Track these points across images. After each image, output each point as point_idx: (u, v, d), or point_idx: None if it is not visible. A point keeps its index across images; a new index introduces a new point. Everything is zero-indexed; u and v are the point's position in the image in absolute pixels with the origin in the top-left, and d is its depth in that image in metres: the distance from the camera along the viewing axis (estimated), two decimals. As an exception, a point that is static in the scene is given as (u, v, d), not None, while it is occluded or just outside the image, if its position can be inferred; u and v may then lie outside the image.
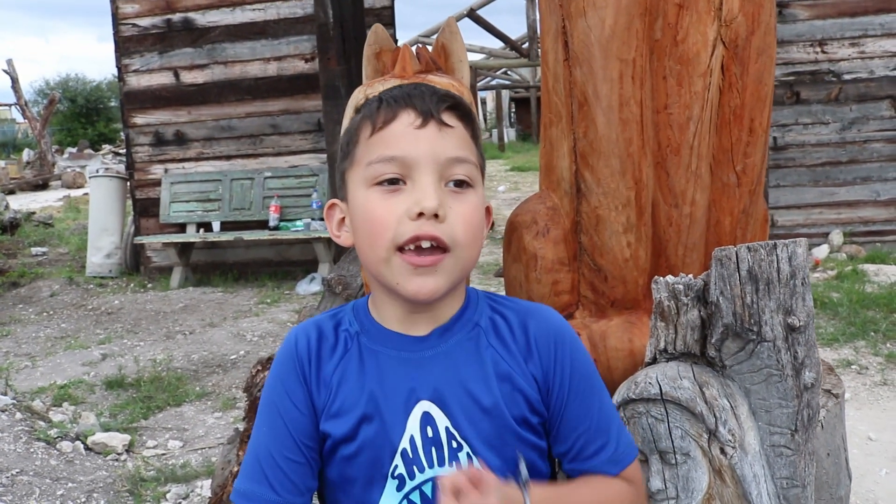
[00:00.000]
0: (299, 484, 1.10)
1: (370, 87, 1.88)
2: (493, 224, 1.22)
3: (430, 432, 1.09)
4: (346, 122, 1.91)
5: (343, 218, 1.16)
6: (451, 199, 1.07)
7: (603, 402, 1.20)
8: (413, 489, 1.09)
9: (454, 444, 1.10)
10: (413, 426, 1.09)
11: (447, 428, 1.10)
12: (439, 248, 1.05)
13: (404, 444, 1.09)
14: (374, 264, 1.09)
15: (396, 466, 1.09)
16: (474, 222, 1.09)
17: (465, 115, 1.12)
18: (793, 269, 1.29)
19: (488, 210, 1.19)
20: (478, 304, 1.20)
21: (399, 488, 1.09)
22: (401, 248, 1.05)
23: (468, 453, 1.10)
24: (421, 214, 1.03)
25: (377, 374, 1.11)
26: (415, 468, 1.09)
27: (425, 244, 1.04)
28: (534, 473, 1.13)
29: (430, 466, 1.09)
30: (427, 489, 1.09)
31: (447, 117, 1.08)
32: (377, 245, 1.07)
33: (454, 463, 1.09)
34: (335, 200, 1.18)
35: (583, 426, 1.16)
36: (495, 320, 1.18)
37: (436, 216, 1.04)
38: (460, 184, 1.08)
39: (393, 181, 1.06)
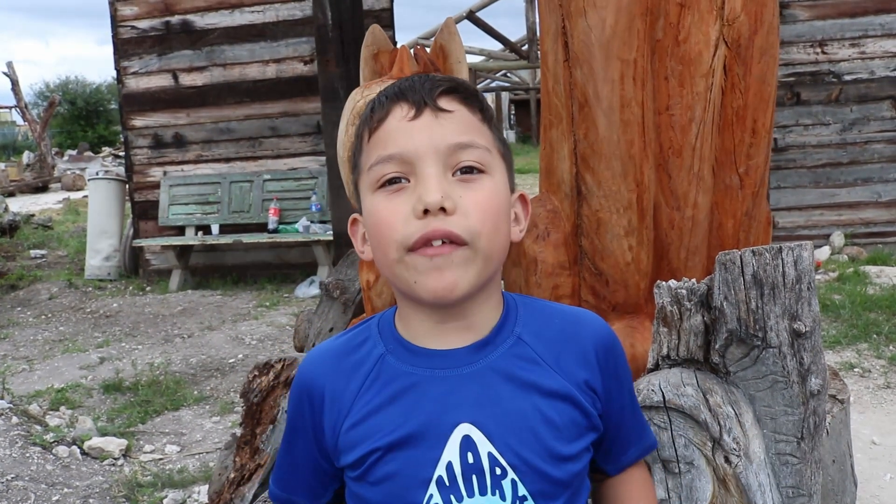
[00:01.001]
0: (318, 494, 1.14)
1: (368, 89, 1.86)
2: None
3: (470, 458, 1.00)
4: (342, 125, 1.89)
5: (364, 233, 1.08)
6: (461, 189, 0.98)
7: (635, 402, 1.20)
8: None
9: (497, 472, 1.00)
10: (452, 452, 1.00)
11: (490, 453, 1.00)
12: (453, 243, 0.96)
13: (440, 471, 0.99)
14: (389, 268, 1.01)
15: (431, 496, 0.99)
16: (492, 209, 0.99)
17: (467, 97, 1.03)
18: (798, 274, 1.26)
19: (523, 198, 1.11)
20: (518, 312, 1.09)
21: None
22: (412, 250, 0.97)
23: (513, 480, 1.00)
24: (426, 211, 0.95)
25: (409, 398, 1.02)
26: (452, 497, 0.99)
27: (436, 242, 0.96)
28: (579, 496, 1.08)
29: (471, 496, 0.99)
30: None
31: (444, 102, 1.00)
32: (388, 249, 0.99)
33: (496, 491, 1.00)
34: (356, 216, 1.10)
35: (626, 428, 1.15)
36: (541, 330, 1.08)
37: (443, 210, 0.95)
38: (469, 170, 0.99)
39: (394, 180, 0.99)
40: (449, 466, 0.99)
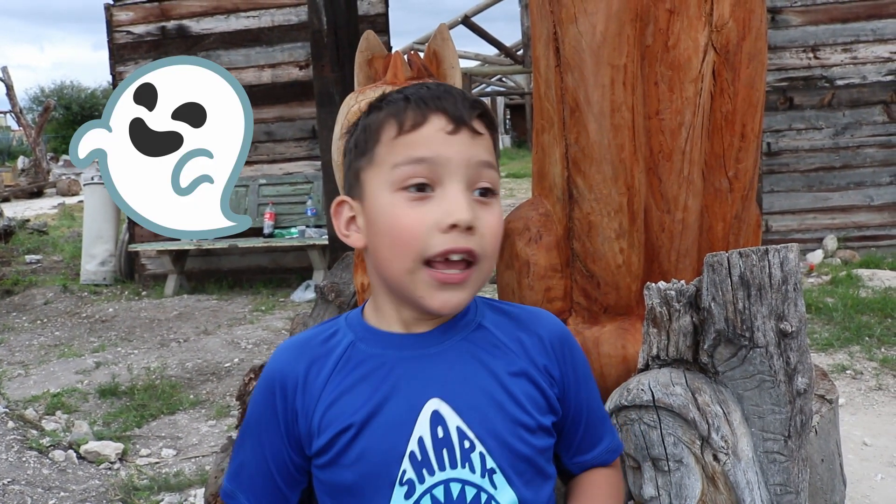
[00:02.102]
0: (286, 497, 1.12)
1: (362, 94, 1.88)
2: None
3: (440, 432, 1.04)
4: (337, 130, 1.91)
5: (353, 217, 1.10)
6: (480, 210, 1.03)
7: (597, 398, 1.23)
8: (423, 493, 1.03)
9: (466, 445, 1.04)
10: (422, 427, 1.03)
11: (458, 427, 1.04)
12: (467, 261, 1.02)
13: (412, 446, 1.03)
14: (397, 274, 1.03)
15: (405, 472, 1.02)
16: (498, 231, 1.07)
17: (490, 123, 1.08)
18: (785, 275, 1.29)
19: None
20: (477, 307, 1.15)
21: (408, 495, 1.03)
22: (428, 261, 1.01)
23: (481, 453, 1.04)
24: (453, 227, 0.99)
25: (379, 377, 1.06)
26: (424, 472, 1.03)
27: (455, 257, 1.01)
28: (544, 477, 1.12)
29: (442, 469, 1.03)
30: (438, 493, 1.03)
31: (477, 125, 1.05)
32: (403, 255, 1.01)
33: (466, 464, 1.04)
34: (345, 198, 1.11)
35: (587, 421, 1.19)
36: (499, 321, 1.14)
37: (468, 229, 1.00)
38: (485, 192, 1.05)
39: (421, 187, 1.01)
40: (420, 441, 1.03)
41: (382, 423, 1.04)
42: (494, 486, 1.04)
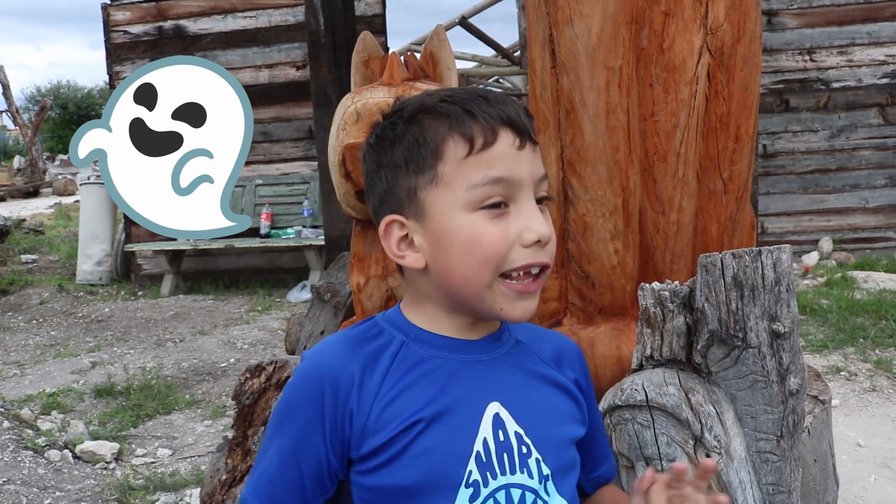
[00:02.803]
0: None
1: (358, 95, 1.89)
2: None
3: (501, 436, 1.04)
4: (333, 130, 1.92)
5: (405, 236, 1.06)
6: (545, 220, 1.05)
7: (600, 415, 1.26)
8: (488, 497, 1.01)
9: (524, 450, 1.04)
10: (486, 428, 1.03)
11: (517, 432, 1.05)
12: (541, 272, 1.04)
13: (478, 447, 1.02)
14: (475, 290, 1.03)
15: (471, 472, 1.01)
16: (555, 236, 1.08)
17: (533, 133, 1.08)
18: (777, 276, 1.30)
19: None
20: (507, 324, 1.14)
21: (473, 497, 1.00)
22: (504, 274, 1.02)
23: (537, 459, 1.05)
24: (537, 242, 1.01)
25: (441, 376, 1.04)
26: (488, 474, 1.02)
27: (534, 270, 1.03)
28: (576, 488, 1.13)
29: (503, 473, 1.02)
30: (501, 497, 1.01)
31: (533, 136, 1.06)
32: (484, 271, 1.01)
33: (525, 469, 1.04)
34: (396, 217, 1.06)
35: (598, 436, 1.21)
36: (532, 338, 1.16)
37: (539, 241, 1.02)
38: (541, 200, 1.05)
39: (498, 204, 1.01)
40: (485, 442, 1.02)
41: (451, 421, 1.02)
42: (548, 493, 1.05)
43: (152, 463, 3.71)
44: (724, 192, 1.79)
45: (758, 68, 1.75)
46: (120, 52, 8.23)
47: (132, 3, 8.19)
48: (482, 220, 1.01)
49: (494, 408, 1.04)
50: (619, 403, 1.38)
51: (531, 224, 1.01)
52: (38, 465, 3.47)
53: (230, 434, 2.36)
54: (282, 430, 1.05)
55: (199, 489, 2.79)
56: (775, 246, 1.30)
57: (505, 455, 1.03)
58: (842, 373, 4.39)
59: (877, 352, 4.71)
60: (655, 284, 1.40)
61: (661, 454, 1.35)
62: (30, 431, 3.90)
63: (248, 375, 2.32)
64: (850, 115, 7.52)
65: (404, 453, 1.00)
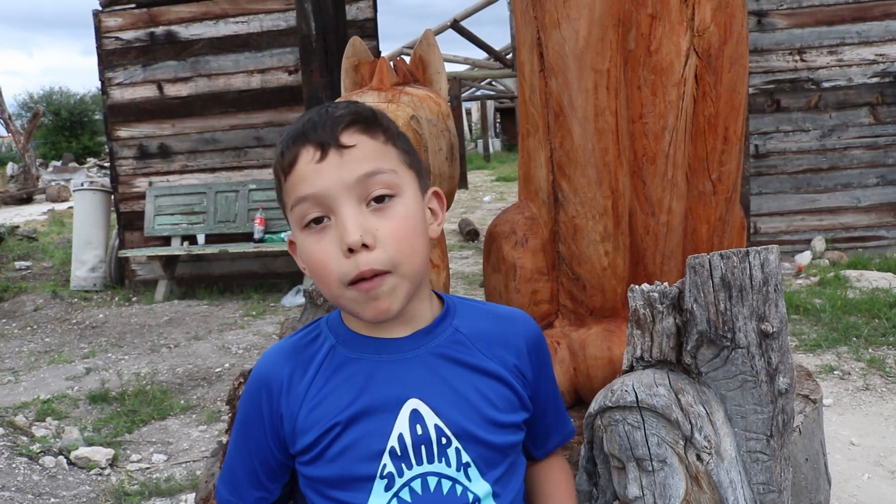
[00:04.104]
0: (268, 489, 1.20)
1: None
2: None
3: (419, 430, 1.10)
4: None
5: None
6: (377, 219, 1.06)
7: (555, 386, 1.33)
8: (402, 486, 1.09)
9: (444, 441, 1.11)
10: (402, 424, 1.10)
11: (436, 425, 1.11)
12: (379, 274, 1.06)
13: (392, 442, 1.09)
14: (332, 299, 1.11)
15: (385, 466, 1.09)
16: (406, 233, 1.08)
17: (368, 125, 1.09)
18: (765, 276, 1.30)
19: (437, 194, 1.19)
20: (457, 310, 1.21)
21: (388, 488, 1.09)
22: (350, 284, 1.06)
23: (457, 448, 1.11)
24: (351, 250, 1.04)
25: (360, 379, 1.12)
26: (403, 466, 1.09)
27: (368, 275, 1.05)
28: (515, 468, 1.20)
29: (420, 464, 1.10)
30: (416, 485, 1.09)
31: (346, 137, 1.07)
32: (328, 285, 1.08)
33: (443, 459, 1.10)
34: (291, 237, 1.18)
35: (550, 415, 1.28)
36: (477, 324, 1.20)
37: (365, 246, 1.04)
38: (381, 198, 1.07)
39: (318, 220, 1.07)
40: (400, 438, 1.10)
41: (365, 422, 1.10)
42: (469, 479, 1.12)
43: (147, 468, 3.71)
44: (714, 193, 1.80)
45: (745, 69, 1.76)
46: (112, 59, 8.23)
47: (124, 9, 8.18)
48: (309, 239, 1.08)
49: (413, 404, 1.11)
50: (610, 405, 1.38)
51: (341, 232, 1.04)
52: (32, 472, 3.47)
53: (224, 439, 2.36)
54: (238, 426, 1.19)
55: (194, 494, 2.79)
56: (763, 246, 1.31)
57: (423, 447, 1.10)
58: (835, 372, 4.40)
59: (870, 350, 4.73)
60: (645, 286, 1.41)
61: (652, 455, 1.35)
62: (24, 438, 3.89)
63: (242, 380, 2.33)
64: (841, 115, 7.55)
65: (325, 453, 1.11)
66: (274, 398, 1.15)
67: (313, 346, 1.18)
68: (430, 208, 1.18)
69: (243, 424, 1.19)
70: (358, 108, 1.11)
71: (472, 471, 1.12)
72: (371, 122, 1.10)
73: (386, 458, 1.09)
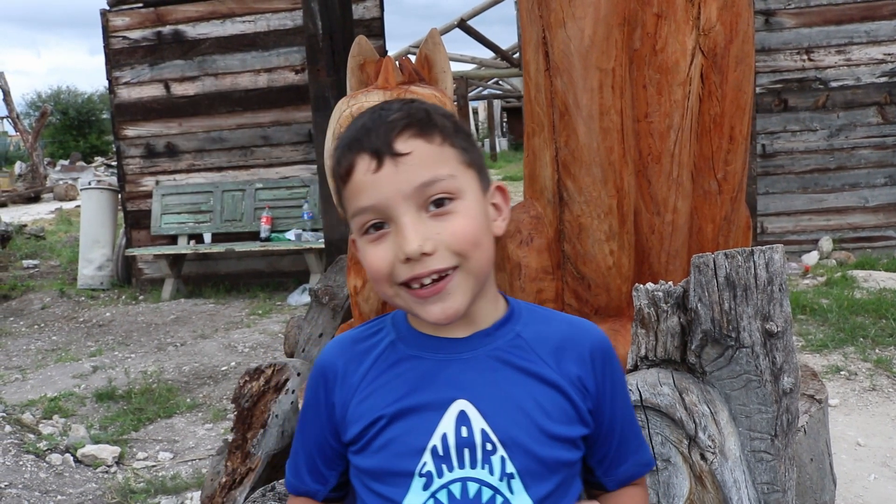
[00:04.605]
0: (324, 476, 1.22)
1: (353, 99, 1.89)
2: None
3: (464, 432, 1.07)
4: (328, 134, 1.93)
5: None
6: (438, 225, 1.04)
7: (632, 413, 1.23)
8: (441, 487, 1.07)
9: (488, 447, 1.07)
10: (447, 424, 1.08)
11: (483, 429, 1.08)
12: (442, 277, 1.04)
13: (434, 441, 1.07)
14: (389, 301, 1.09)
15: (424, 464, 1.07)
16: (471, 231, 1.05)
17: (422, 128, 1.06)
18: (770, 276, 1.30)
19: (500, 189, 1.16)
20: (521, 315, 1.17)
21: (426, 486, 1.07)
22: (405, 283, 1.04)
23: (502, 457, 1.07)
24: (409, 258, 1.02)
25: (413, 376, 1.11)
26: (444, 467, 1.07)
27: (425, 280, 1.03)
28: (566, 489, 1.13)
29: (461, 467, 1.07)
30: (455, 489, 1.07)
31: (401, 144, 1.04)
32: (380, 286, 1.08)
33: (486, 465, 1.07)
34: (352, 237, 1.19)
35: (621, 434, 1.18)
36: (540, 331, 1.15)
37: (425, 254, 1.02)
38: (440, 203, 1.04)
39: (377, 226, 1.05)
40: (444, 437, 1.07)
41: (410, 418, 1.09)
42: (511, 491, 1.07)
43: (153, 466, 3.72)
44: (719, 193, 1.80)
45: (751, 69, 1.76)
46: (119, 58, 8.25)
47: (131, 8, 8.20)
48: (367, 245, 1.07)
49: (460, 405, 1.08)
50: (614, 404, 1.38)
51: (400, 242, 1.03)
52: (39, 470, 3.48)
53: (230, 437, 2.37)
54: (301, 413, 1.22)
55: (199, 492, 2.79)
56: (768, 246, 1.31)
57: (466, 450, 1.07)
58: (842, 372, 4.39)
59: (877, 351, 4.71)
60: (649, 285, 1.41)
61: (656, 454, 1.35)
62: (31, 436, 3.91)
63: (247, 378, 2.33)
64: (849, 115, 7.52)
65: (370, 445, 1.11)
66: (329, 387, 1.16)
67: (373, 339, 1.17)
68: (493, 204, 1.14)
69: (304, 412, 1.21)
70: (412, 110, 1.08)
71: (516, 483, 1.07)
72: (426, 123, 1.06)
73: (427, 456, 1.07)
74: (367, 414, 1.11)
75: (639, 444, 1.22)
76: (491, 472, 1.07)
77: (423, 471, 1.07)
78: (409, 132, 1.05)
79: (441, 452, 1.07)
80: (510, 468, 1.07)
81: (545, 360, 1.13)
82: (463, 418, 1.08)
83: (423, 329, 1.14)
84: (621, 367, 1.21)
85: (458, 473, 1.07)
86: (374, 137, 1.05)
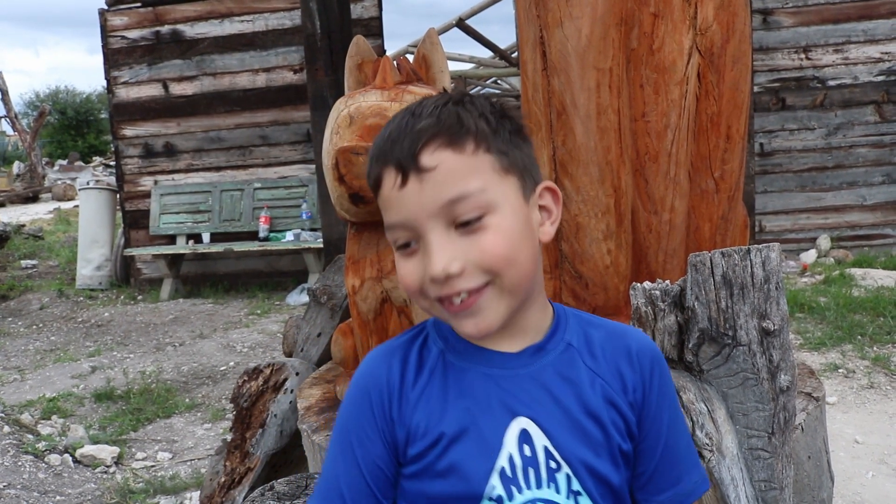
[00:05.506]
0: None
1: (351, 98, 1.90)
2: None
3: (527, 451, 1.02)
4: (326, 134, 1.93)
5: None
6: (466, 243, 0.97)
7: (682, 431, 1.15)
8: None
9: (552, 465, 1.03)
10: (511, 444, 1.02)
11: (545, 447, 1.03)
12: (473, 293, 0.98)
13: (502, 462, 1.02)
14: (425, 310, 1.04)
15: (494, 487, 1.01)
16: (501, 249, 0.97)
17: (452, 138, 0.98)
18: (766, 274, 1.31)
19: (551, 190, 1.07)
20: (568, 322, 1.11)
21: None
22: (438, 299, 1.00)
23: (567, 475, 1.03)
24: (434, 279, 0.97)
25: (469, 392, 1.04)
26: (513, 489, 1.01)
27: (456, 299, 0.98)
28: None
29: (529, 488, 1.02)
30: None
31: (427, 157, 0.96)
32: (417, 300, 1.03)
33: (552, 484, 1.02)
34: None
35: (663, 452, 1.11)
36: (590, 339, 1.10)
37: (448, 276, 0.96)
38: (468, 221, 0.96)
39: (407, 244, 1.00)
40: (510, 458, 1.02)
41: (474, 438, 1.03)
42: None
43: (152, 466, 3.72)
44: (716, 192, 1.80)
45: (748, 68, 1.76)
46: (118, 57, 8.25)
47: (130, 8, 8.20)
48: (400, 259, 1.01)
49: (521, 423, 1.03)
50: (612, 402, 1.39)
51: (427, 264, 0.97)
52: (38, 470, 3.48)
53: (229, 437, 2.37)
54: (341, 436, 1.09)
55: (198, 492, 2.80)
56: (764, 244, 1.31)
57: (531, 470, 1.02)
58: (840, 370, 4.40)
59: (875, 349, 4.72)
60: (647, 284, 1.41)
61: (654, 452, 1.36)
62: (30, 436, 3.91)
63: (246, 378, 2.34)
64: (847, 113, 7.54)
65: (432, 467, 1.03)
66: (385, 403, 1.06)
67: (423, 349, 1.10)
68: (541, 205, 1.05)
69: (346, 433, 1.08)
70: (442, 115, 0.99)
71: (584, 500, 1.04)
72: (456, 132, 0.98)
73: (495, 480, 1.02)
74: (429, 432, 1.03)
75: (684, 459, 1.13)
76: (557, 491, 1.03)
77: (494, 494, 1.01)
78: (435, 143, 0.97)
79: (510, 474, 1.02)
80: (576, 486, 1.03)
81: (597, 371, 1.08)
82: (525, 437, 1.03)
83: (472, 339, 1.07)
84: (671, 381, 1.15)
85: (527, 495, 1.02)
86: (399, 150, 0.98)
